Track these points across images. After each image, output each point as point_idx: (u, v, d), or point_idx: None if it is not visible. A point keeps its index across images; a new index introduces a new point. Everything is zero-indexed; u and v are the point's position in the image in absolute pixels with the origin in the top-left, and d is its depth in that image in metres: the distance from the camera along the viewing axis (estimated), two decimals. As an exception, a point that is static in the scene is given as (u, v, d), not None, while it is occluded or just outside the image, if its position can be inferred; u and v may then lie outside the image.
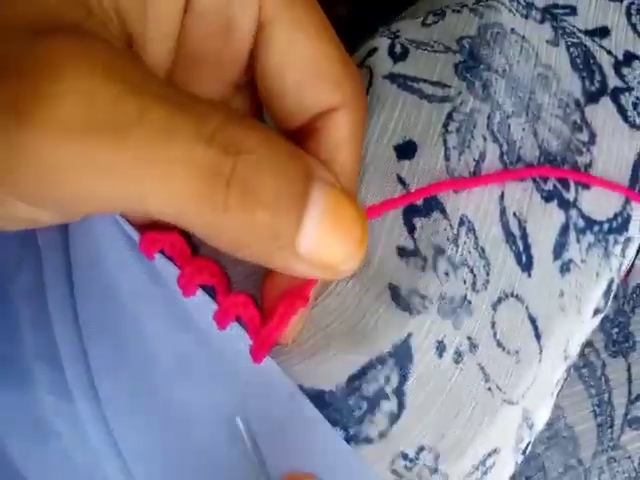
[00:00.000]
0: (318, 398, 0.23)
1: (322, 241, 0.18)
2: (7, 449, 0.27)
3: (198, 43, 0.22)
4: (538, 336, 0.27)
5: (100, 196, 0.18)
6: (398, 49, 0.30)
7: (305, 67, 0.21)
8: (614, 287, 0.31)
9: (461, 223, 0.25)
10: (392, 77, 0.28)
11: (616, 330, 0.39)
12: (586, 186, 0.28)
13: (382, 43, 0.30)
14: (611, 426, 0.37)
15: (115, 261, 0.24)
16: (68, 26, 0.18)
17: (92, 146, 0.17)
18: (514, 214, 0.26)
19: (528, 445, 0.30)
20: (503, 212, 0.26)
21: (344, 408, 0.23)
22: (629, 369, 0.38)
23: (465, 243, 0.25)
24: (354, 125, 0.22)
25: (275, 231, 0.18)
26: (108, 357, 0.25)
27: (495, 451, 0.27)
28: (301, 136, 0.22)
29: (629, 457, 0.37)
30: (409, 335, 0.24)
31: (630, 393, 0.38)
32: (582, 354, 0.38)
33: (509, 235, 0.26)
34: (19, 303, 0.27)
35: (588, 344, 0.38)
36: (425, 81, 0.28)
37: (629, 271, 0.36)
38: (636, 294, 0.39)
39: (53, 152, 0.17)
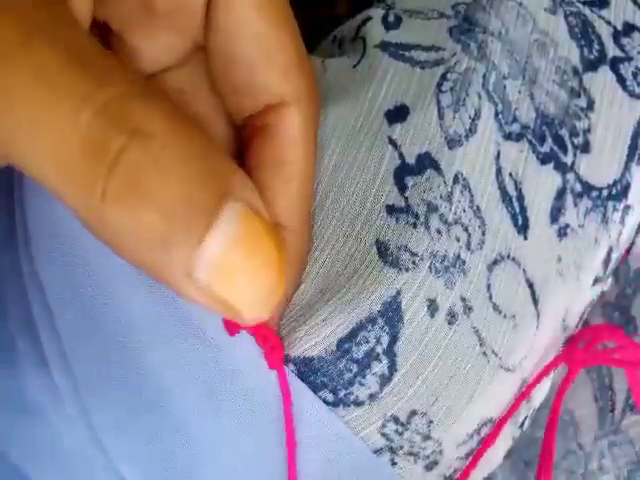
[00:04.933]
0: (306, 365, 0.22)
1: (225, 273, 0.15)
2: None
3: None
4: (535, 301, 0.26)
5: None
6: (392, 18, 0.29)
7: (257, 45, 0.19)
8: (614, 257, 0.30)
9: (456, 180, 0.24)
10: (384, 46, 0.27)
11: (617, 314, 0.38)
12: (585, 150, 0.28)
13: (376, 13, 0.29)
14: (612, 410, 0.36)
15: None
16: None
17: None
18: (510, 175, 0.25)
19: (525, 419, 0.29)
20: (499, 172, 0.25)
21: (333, 372, 0.22)
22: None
23: (460, 201, 0.24)
24: (305, 123, 0.20)
25: (164, 240, 0.14)
26: (76, 323, 0.24)
27: (490, 420, 0.26)
28: (253, 132, 0.21)
29: (630, 441, 0.36)
30: (398, 292, 0.23)
31: (632, 377, 0.37)
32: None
33: (505, 195, 0.25)
34: (4, 278, 0.26)
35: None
36: (418, 47, 0.27)
37: (629, 248, 0.35)
38: (639, 277, 0.39)
39: None
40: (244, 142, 0.21)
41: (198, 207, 0.14)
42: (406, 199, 0.24)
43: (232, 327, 0.22)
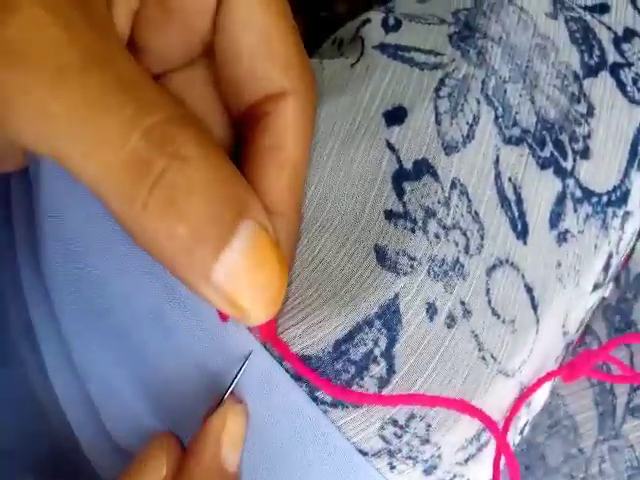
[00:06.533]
0: (303, 364, 0.22)
1: (237, 280, 0.18)
2: None
3: None
4: (535, 306, 0.26)
5: (28, 133, 0.17)
6: (391, 21, 0.29)
7: (261, 40, 0.21)
8: (614, 263, 0.30)
9: (453, 186, 0.24)
10: (383, 47, 0.27)
11: (618, 317, 0.38)
12: (585, 155, 0.28)
13: (375, 15, 0.30)
14: (613, 415, 0.36)
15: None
16: None
17: (26, 75, 0.16)
18: (509, 179, 0.26)
19: (525, 425, 0.29)
20: (498, 176, 0.25)
21: (330, 372, 0.22)
22: (631, 357, 0.37)
23: (457, 206, 0.24)
24: (302, 113, 0.22)
25: (191, 249, 0.17)
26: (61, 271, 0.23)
27: (490, 425, 0.26)
28: (251, 119, 0.22)
29: (631, 446, 0.36)
30: (396, 295, 0.23)
31: (632, 381, 0.37)
32: (583, 342, 0.37)
33: (504, 200, 0.25)
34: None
35: (589, 331, 0.38)
36: (417, 50, 0.27)
37: (630, 255, 0.35)
38: (639, 282, 0.39)
39: None
40: (243, 135, 0.22)
41: (220, 224, 0.17)
42: (404, 204, 0.24)
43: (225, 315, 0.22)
